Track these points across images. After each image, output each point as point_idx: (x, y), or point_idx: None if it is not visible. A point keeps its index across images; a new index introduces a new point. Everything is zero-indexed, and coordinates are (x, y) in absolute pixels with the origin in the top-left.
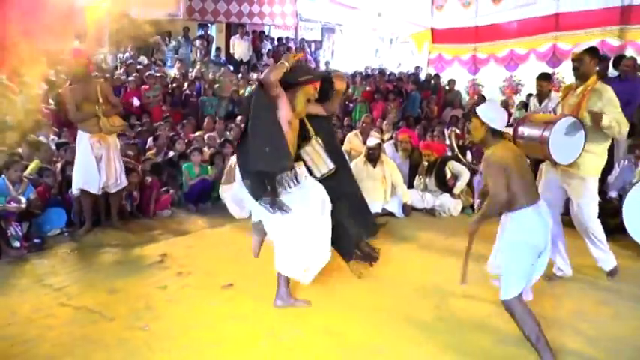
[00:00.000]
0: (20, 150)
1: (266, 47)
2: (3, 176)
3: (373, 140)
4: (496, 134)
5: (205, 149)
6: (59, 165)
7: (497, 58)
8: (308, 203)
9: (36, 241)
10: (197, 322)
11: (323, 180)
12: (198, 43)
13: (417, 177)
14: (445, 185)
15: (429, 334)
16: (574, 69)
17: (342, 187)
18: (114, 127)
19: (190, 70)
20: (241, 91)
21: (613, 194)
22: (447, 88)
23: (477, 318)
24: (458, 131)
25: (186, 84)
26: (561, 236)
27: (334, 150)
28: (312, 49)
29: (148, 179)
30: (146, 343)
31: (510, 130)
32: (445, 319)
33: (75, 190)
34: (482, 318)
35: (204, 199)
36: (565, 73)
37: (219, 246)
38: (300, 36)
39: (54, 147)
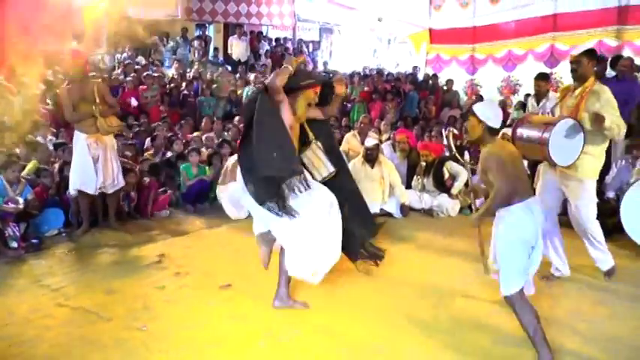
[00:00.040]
0: (18, 150)
1: (264, 47)
2: (0, 177)
3: (371, 140)
4: (493, 132)
5: (203, 149)
6: (57, 165)
7: (495, 58)
8: (316, 205)
9: (33, 241)
10: (195, 322)
11: (323, 183)
12: (196, 43)
13: (414, 177)
14: (443, 185)
15: (428, 333)
16: (572, 71)
17: (342, 189)
18: (111, 127)
19: (188, 70)
20: (239, 92)
21: (611, 194)
22: (445, 88)
23: (475, 318)
24: (456, 131)
25: (184, 84)
26: (559, 236)
27: (333, 153)
28: (310, 50)
29: (146, 180)
30: (144, 343)
31: (509, 131)
32: (444, 319)
33: (72, 191)
34: (481, 318)
35: (202, 199)
36: (563, 73)
37: (218, 246)
38: (298, 36)
39: (51, 147)
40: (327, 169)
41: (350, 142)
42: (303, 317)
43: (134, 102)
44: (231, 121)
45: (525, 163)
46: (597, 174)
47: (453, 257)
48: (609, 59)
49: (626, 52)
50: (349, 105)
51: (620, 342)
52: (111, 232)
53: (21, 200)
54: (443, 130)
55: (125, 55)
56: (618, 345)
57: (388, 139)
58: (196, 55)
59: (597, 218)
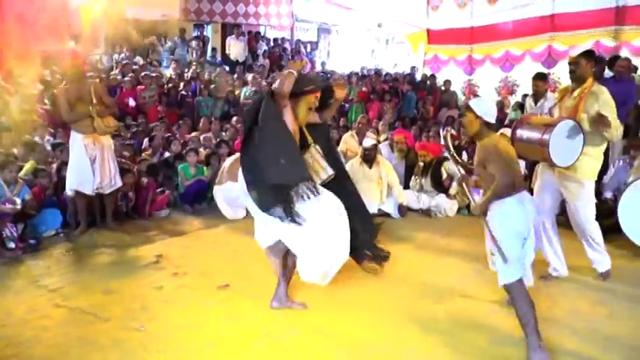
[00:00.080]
0: (15, 151)
1: (262, 48)
2: None
3: (369, 141)
4: (489, 126)
5: (201, 150)
6: (54, 165)
7: (492, 58)
8: (324, 209)
9: (31, 242)
10: (193, 322)
11: (322, 186)
12: (194, 43)
13: (412, 177)
14: (441, 186)
15: (426, 333)
16: (571, 72)
17: (341, 191)
18: (108, 127)
19: (186, 70)
20: (237, 92)
21: (608, 195)
22: (443, 88)
23: (474, 317)
24: (454, 132)
25: (182, 84)
26: (557, 237)
27: (331, 155)
28: (308, 50)
29: (144, 180)
30: (142, 343)
31: (508, 132)
32: (442, 319)
33: (69, 191)
34: (479, 317)
35: (200, 199)
36: (560, 73)
37: (215, 247)
38: (296, 37)
39: (49, 147)
40: (326, 172)
41: (348, 142)
42: (301, 317)
43: (132, 102)
44: (229, 121)
45: (523, 163)
46: (596, 175)
47: (451, 257)
48: (607, 60)
49: (624, 53)
50: (347, 105)
51: (618, 342)
52: (109, 232)
53: (18, 201)
54: (441, 130)
55: (123, 55)
56: (617, 345)
57: (386, 139)
58: (194, 55)
59: (596, 219)
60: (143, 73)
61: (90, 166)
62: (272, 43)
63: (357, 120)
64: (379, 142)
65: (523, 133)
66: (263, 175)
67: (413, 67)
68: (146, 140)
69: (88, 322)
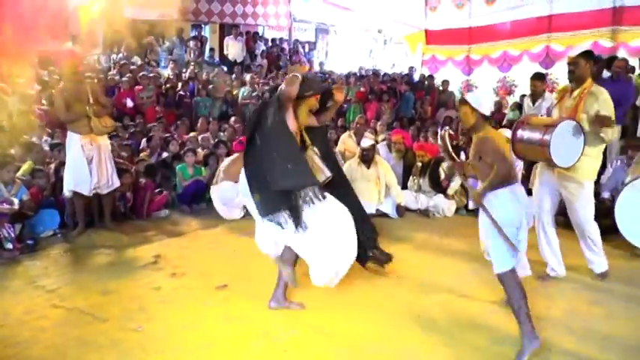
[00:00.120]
0: (13, 151)
1: (260, 48)
2: None
3: (367, 141)
4: (485, 119)
5: (199, 150)
6: (52, 166)
7: (490, 59)
8: (327, 212)
9: (29, 242)
10: (191, 323)
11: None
12: (192, 43)
13: (410, 178)
14: (439, 186)
15: (425, 333)
16: (570, 72)
17: (339, 193)
18: (105, 127)
19: (184, 70)
20: (235, 92)
21: (606, 195)
22: (441, 88)
23: (473, 317)
24: (452, 132)
25: (180, 85)
26: (555, 237)
27: (329, 158)
28: (306, 50)
29: (142, 180)
30: (140, 344)
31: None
32: (441, 319)
33: (66, 192)
34: (477, 317)
35: (198, 200)
36: (558, 74)
37: (214, 247)
38: (294, 37)
39: (47, 148)
40: (324, 174)
41: (346, 142)
42: (299, 318)
43: (130, 102)
44: (227, 121)
45: (521, 163)
46: (595, 175)
47: (449, 257)
48: (604, 60)
49: (621, 53)
50: (345, 106)
51: (616, 342)
52: (106, 232)
53: (16, 201)
54: (439, 130)
55: (121, 55)
56: (614, 345)
57: (384, 139)
58: (192, 55)
59: (594, 219)
60: (141, 74)
61: (87, 167)
62: (270, 44)
63: (355, 120)
64: (377, 142)
65: (524, 133)
66: (269, 179)
67: (411, 68)
68: (144, 140)
69: (85, 322)
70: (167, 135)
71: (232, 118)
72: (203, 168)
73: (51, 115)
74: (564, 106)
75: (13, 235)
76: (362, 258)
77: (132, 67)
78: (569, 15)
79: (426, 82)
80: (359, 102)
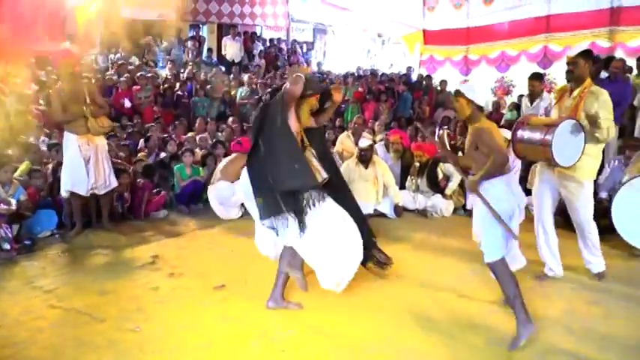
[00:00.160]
0: (10, 151)
1: (258, 48)
2: None
3: (365, 141)
4: (481, 109)
5: (197, 150)
6: (50, 166)
7: (488, 59)
8: (330, 215)
9: (26, 242)
10: (189, 323)
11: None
12: (190, 43)
13: (408, 178)
14: (437, 186)
15: (424, 333)
16: (569, 72)
17: (337, 195)
18: (102, 127)
19: (182, 70)
20: (233, 92)
21: (603, 195)
22: (439, 89)
23: (471, 317)
24: (450, 132)
25: (177, 85)
26: (555, 236)
27: (327, 159)
28: (304, 50)
29: (140, 181)
30: (137, 344)
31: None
32: (439, 319)
33: (64, 192)
34: (476, 317)
35: (196, 200)
36: (556, 74)
37: (211, 247)
38: (292, 37)
39: (45, 148)
40: (321, 175)
41: (344, 142)
42: (296, 318)
43: (127, 103)
44: (225, 121)
45: (519, 163)
46: (595, 174)
47: (447, 257)
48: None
49: (619, 54)
50: (343, 106)
51: (614, 341)
52: (104, 233)
53: (13, 201)
54: (437, 129)
55: (118, 55)
56: (613, 344)
57: (382, 139)
58: (190, 55)
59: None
60: (139, 74)
61: (84, 167)
62: (268, 44)
63: (353, 120)
64: (375, 142)
65: (524, 133)
66: (275, 180)
67: (409, 68)
68: (142, 141)
69: (83, 323)
70: (165, 135)
71: (230, 119)
72: (201, 168)
73: (48, 115)
74: (564, 105)
75: (10, 235)
76: (363, 258)
77: (130, 67)
78: (567, 15)
79: (424, 82)
80: (357, 102)
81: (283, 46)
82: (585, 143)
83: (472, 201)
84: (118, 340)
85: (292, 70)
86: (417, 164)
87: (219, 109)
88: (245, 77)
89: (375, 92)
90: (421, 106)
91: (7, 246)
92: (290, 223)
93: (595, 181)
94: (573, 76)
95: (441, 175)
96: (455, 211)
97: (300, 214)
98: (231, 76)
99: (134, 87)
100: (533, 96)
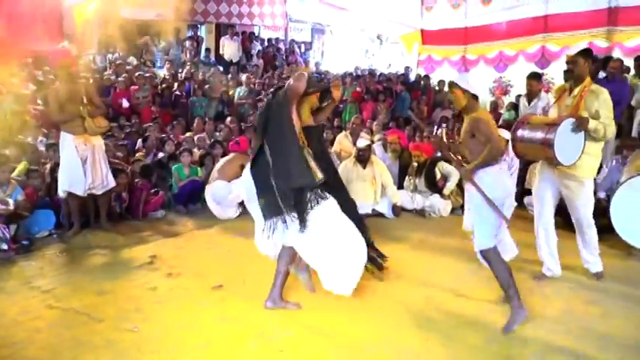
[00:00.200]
0: (7, 151)
1: (256, 48)
2: None
3: (363, 141)
4: (476, 99)
5: (195, 150)
6: (48, 166)
7: (486, 59)
8: (332, 214)
9: (24, 243)
10: (187, 323)
11: None
12: (188, 43)
13: (406, 178)
14: (435, 186)
15: (422, 333)
16: (568, 71)
17: (335, 196)
18: (99, 127)
19: (180, 70)
20: (231, 92)
21: (601, 194)
22: (437, 89)
23: (469, 317)
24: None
25: (175, 85)
26: (555, 236)
27: (324, 159)
28: (302, 50)
29: (138, 181)
30: (135, 344)
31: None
32: (438, 319)
33: (61, 193)
34: (475, 317)
35: (194, 200)
36: (554, 74)
37: (209, 247)
38: (290, 37)
39: (43, 148)
40: (317, 175)
41: (342, 142)
42: (294, 318)
43: (125, 103)
44: (223, 121)
45: (517, 161)
46: (595, 173)
47: (446, 257)
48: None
49: (616, 54)
50: (341, 106)
51: (612, 340)
52: (102, 233)
53: (11, 201)
54: (435, 129)
55: (116, 55)
56: (612, 344)
57: (380, 139)
58: (188, 55)
59: None
60: (137, 74)
61: (81, 167)
62: (266, 44)
63: (351, 120)
64: (373, 142)
65: (524, 133)
66: (287, 178)
67: (407, 68)
68: (140, 141)
69: (81, 323)
70: (163, 135)
71: (228, 119)
72: (199, 168)
73: (45, 115)
74: (564, 104)
75: (8, 235)
76: None
77: (127, 67)
78: (564, 15)
79: (422, 82)
80: (355, 102)
81: (281, 46)
82: (585, 141)
83: (466, 191)
84: (116, 340)
85: (293, 70)
86: (415, 164)
87: (217, 109)
88: (243, 77)
89: (373, 92)
90: (419, 106)
91: (4, 246)
92: (290, 223)
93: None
94: (573, 75)
95: (438, 175)
96: (453, 211)
97: (302, 213)
98: (229, 76)
99: (132, 87)
100: (531, 96)
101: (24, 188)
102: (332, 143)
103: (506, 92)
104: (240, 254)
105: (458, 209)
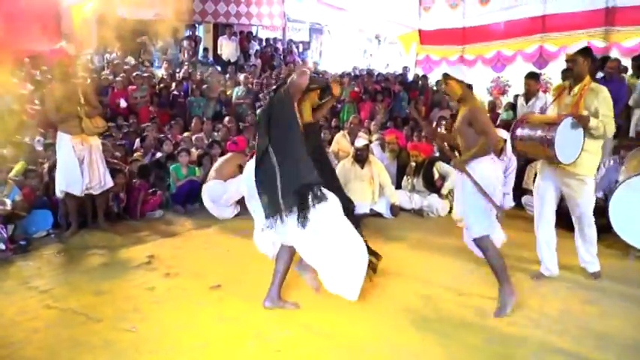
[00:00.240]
0: (5, 151)
1: (254, 48)
2: None
3: (361, 141)
4: (470, 88)
5: (193, 150)
6: (46, 166)
7: (484, 59)
8: (334, 215)
9: (21, 243)
10: (184, 323)
11: None
12: (185, 43)
13: (404, 177)
14: (433, 186)
15: (420, 333)
16: (568, 69)
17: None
18: (96, 127)
19: (178, 70)
20: (229, 92)
21: (599, 194)
22: (435, 89)
23: (468, 317)
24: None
25: (173, 84)
26: (554, 235)
27: (321, 157)
28: (300, 50)
29: (136, 181)
30: (133, 344)
31: (502, 133)
32: (436, 318)
33: (58, 193)
34: (473, 316)
35: (192, 200)
36: (552, 74)
37: (207, 247)
38: (288, 37)
39: (41, 148)
40: None
41: (340, 142)
42: (293, 317)
43: (123, 102)
44: (221, 121)
45: (515, 161)
46: (595, 171)
47: (444, 257)
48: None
49: (614, 54)
50: (339, 105)
51: (610, 340)
52: (100, 233)
53: (8, 202)
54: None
55: (114, 55)
56: (610, 343)
57: (377, 139)
58: (186, 55)
59: None
60: (135, 73)
61: (78, 167)
62: (264, 43)
63: (349, 120)
64: (371, 142)
65: (524, 132)
66: (300, 175)
67: (405, 68)
68: (138, 140)
69: (79, 323)
70: (161, 135)
71: (226, 118)
72: (197, 168)
73: (42, 114)
74: (563, 103)
75: (5, 235)
76: None
77: (125, 66)
78: (562, 15)
79: (420, 82)
80: (353, 102)
81: (279, 45)
82: (584, 139)
83: (457, 179)
84: (113, 340)
85: (294, 69)
86: (413, 164)
87: (215, 109)
88: (241, 77)
89: (371, 92)
90: (417, 106)
91: (2, 246)
92: (291, 221)
93: None
94: (573, 74)
95: (436, 175)
96: (451, 210)
97: (304, 210)
98: (227, 75)
99: (130, 87)
100: (529, 95)
101: (21, 188)
102: (330, 143)
103: (504, 92)
104: (238, 254)
105: None
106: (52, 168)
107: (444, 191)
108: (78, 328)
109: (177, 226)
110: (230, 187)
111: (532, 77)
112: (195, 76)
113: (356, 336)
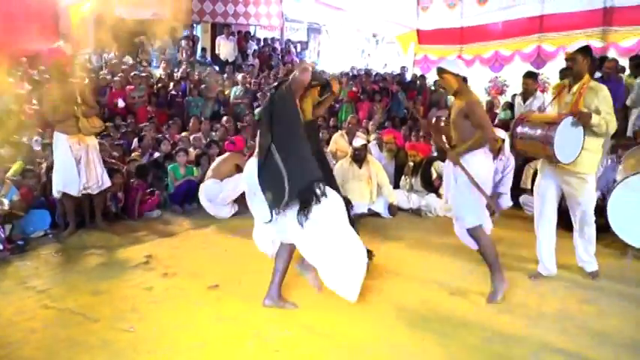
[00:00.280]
0: (2, 151)
1: (252, 48)
2: None
3: (359, 141)
4: (465, 81)
5: (191, 150)
6: (44, 166)
7: (482, 59)
8: (334, 214)
9: (19, 243)
10: (183, 323)
11: None
12: (183, 43)
13: (402, 177)
14: (431, 185)
15: (418, 332)
16: (567, 68)
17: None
18: (94, 127)
19: (176, 70)
20: (227, 92)
21: (597, 194)
22: (433, 88)
23: (466, 316)
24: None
25: (171, 84)
26: (554, 234)
27: (319, 155)
28: (298, 50)
29: (133, 180)
30: (131, 344)
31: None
32: (434, 318)
33: (55, 193)
34: (471, 316)
35: (190, 200)
36: (549, 73)
37: (205, 247)
38: (286, 36)
39: (39, 148)
40: None
41: (338, 142)
42: (291, 317)
43: (121, 102)
44: (219, 121)
45: (513, 161)
46: (596, 169)
47: (442, 256)
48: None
49: (611, 54)
50: (337, 105)
51: (608, 339)
52: (98, 233)
53: (5, 202)
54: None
55: (112, 54)
56: (607, 342)
57: (375, 139)
58: (184, 55)
59: None
60: (133, 73)
61: (75, 167)
62: (262, 43)
63: (347, 120)
64: (369, 141)
65: (524, 131)
66: (308, 171)
67: (403, 68)
68: (135, 140)
69: (76, 323)
70: (159, 135)
71: (224, 118)
72: (195, 168)
73: (40, 114)
74: (563, 101)
75: (3, 235)
76: None
77: (123, 66)
78: (560, 15)
79: (418, 82)
80: (351, 102)
81: (277, 45)
82: (584, 138)
83: (449, 172)
84: (111, 340)
85: (305, 64)
86: (411, 164)
87: (213, 109)
88: (239, 77)
89: (369, 92)
90: (415, 106)
91: None
92: (291, 219)
93: None
94: (572, 72)
95: (435, 175)
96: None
97: (307, 205)
98: (225, 75)
99: (128, 86)
100: (527, 94)
101: (19, 188)
102: (328, 143)
103: (502, 92)
104: (237, 254)
105: None
106: (50, 168)
107: (442, 191)
108: (76, 328)
109: (175, 225)
110: (227, 186)
111: (530, 76)
112: (193, 75)
113: (354, 336)
